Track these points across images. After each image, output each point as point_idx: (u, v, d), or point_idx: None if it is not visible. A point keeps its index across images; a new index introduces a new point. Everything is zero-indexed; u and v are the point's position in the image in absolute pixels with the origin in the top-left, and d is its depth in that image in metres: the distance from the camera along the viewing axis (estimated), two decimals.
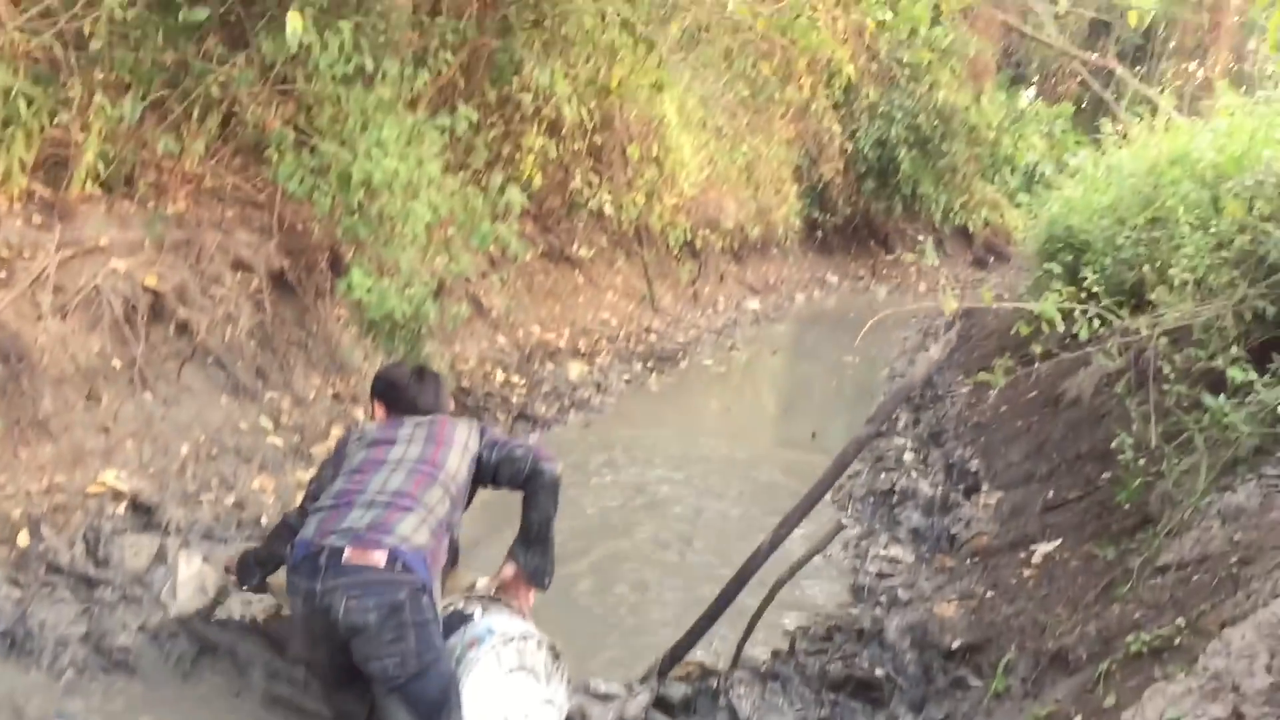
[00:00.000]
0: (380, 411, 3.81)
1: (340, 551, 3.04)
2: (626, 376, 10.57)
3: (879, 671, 4.38)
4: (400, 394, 3.77)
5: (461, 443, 3.53)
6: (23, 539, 4.48)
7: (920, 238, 22.58)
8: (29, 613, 4.21)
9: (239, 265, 6.71)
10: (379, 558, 3.04)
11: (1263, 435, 3.97)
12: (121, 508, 5.03)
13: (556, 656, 3.30)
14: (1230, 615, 3.14)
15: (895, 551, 5.97)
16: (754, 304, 16.53)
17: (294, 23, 5.74)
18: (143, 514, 5.07)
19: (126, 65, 6.02)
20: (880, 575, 5.65)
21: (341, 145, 6.46)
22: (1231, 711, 2.58)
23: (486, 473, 3.56)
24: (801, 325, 16.17)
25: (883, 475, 7.42)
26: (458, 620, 3.36)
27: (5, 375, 4.94)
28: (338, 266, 7.38)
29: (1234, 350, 4.28)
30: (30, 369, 5.04)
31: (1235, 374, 3.87)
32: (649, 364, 11.31)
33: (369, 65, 6.57)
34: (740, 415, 10.30)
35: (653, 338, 12.53)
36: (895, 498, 6.90)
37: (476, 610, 3.40)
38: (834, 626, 4.85)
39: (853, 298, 19.61)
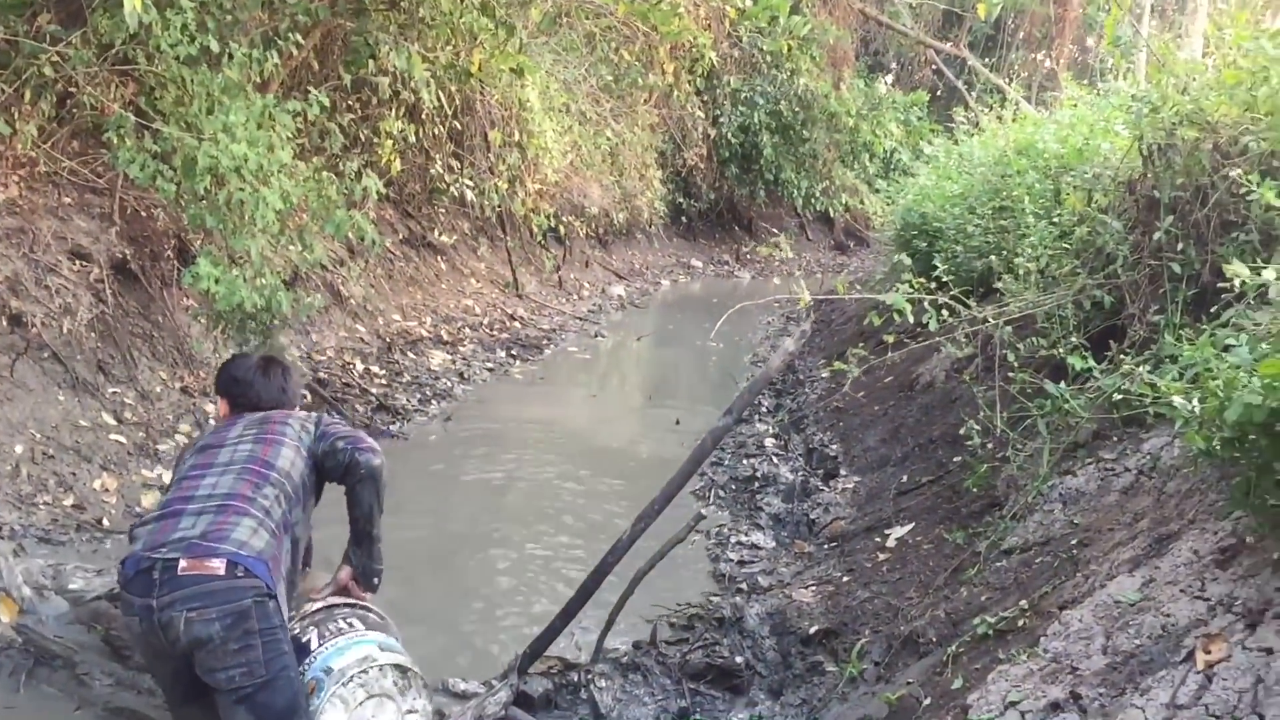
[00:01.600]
0: (224, 408, 3.63)
1: (174, 563, 2.88)
2: (490, 365, 10.46)
3: (739, 659, 4.41)
4: (243, 389, 3.59)
5: (294, 438, 3.36)
6: None
7: (773, 231, 22.90)
8: None
9: (77, 254, 6.41)
10: (217, 565, 2.89)
11: (1100, 421, 4.11)
12: None
13: (404, 672, 3.20)
14: (1070, 597, 3.25)
15: (756, 538, 6.03)
16: (619, 290, 16.55)
17: (132, 0, 5.48)
18: None
19: None
20: (741, 563, 5.70)
21: (186, 129, 6.21)
22: (1069, 693, 2.67)
23: (319, 467, 3.40)
24: (667, 311, 16.25)
25: (745, 462, 7.49)
26: (298, 650, 3.23)
27: None
28: (185, 255, 7.12)
29: (1074, 339, 4.43)
30: None
31: (1075, 362, 4.00)
32: (513, 351, 11.22)
33: (215, 46, 6.33)
34: (606, 402, 10.29)
35: (517, 325, 12.43)
36: (757, 484, 6.98)
37: (312, 637, 3.26)
38: (695, 615, 4.87)
39: (717, 283, 19.81)
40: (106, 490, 5.59)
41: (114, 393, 6.32)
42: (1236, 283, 2.67)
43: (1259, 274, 2.65)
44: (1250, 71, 4.30)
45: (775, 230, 23.53)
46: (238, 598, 2.90)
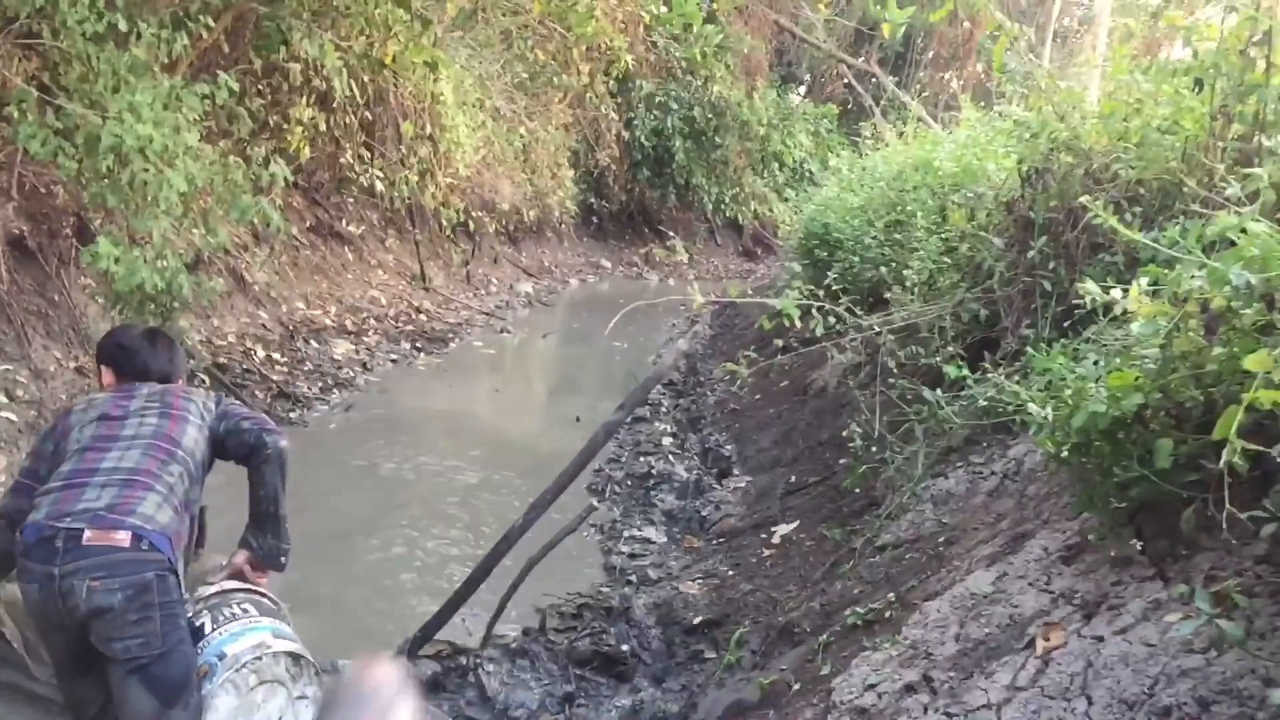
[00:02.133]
0: (109, 377, 3.57)
1: (79, 533, 2.92)
2: (394, 356, 10.47)
3: (625, 647, 4.56)
4: (130, 357, 3.53)
5: (197, 415, 3.38)
6: None
7: (677, 235, 23.13)
8: None
9: None
10: (122, 537, 2.93)
11: (972, 427, 4.35)
12: None
13: (297, 659, 3.26)
14: (932, 590, 3.45)
15: (648, 533, 6.18)
16: (527, 287, 16.62)
17: None
18: None
19: None
20: (632, 556, 5.85)
21: (91, 107, 6.15)
22: (922, 676, 2.86)
23: (218, 446, 3.43)
24: (574, 310, 16.36)
25: (641, 459, 7.64)
26: (191, 634, 3.27)
27: None
28: (84, 234, 7.04)
29: (951, 348, 4.67)
30: None
31: (951, 370, 4.22)
32: (418, 344, 11.24)
33: (123, 24, 6.28)
34: (509, 397, 10.37)
35: (422, 318, 12.44)
36: (652, 481, 7.13)
37: (206, 621, 3.30)
38: (584, 605, 5.00)
39: (626, 284, 19.98)
40: None
41: (5, 370, 6.23)
42: (1087, 301, 2.89)
43: (1109, 294, 2.87)
44: (1124, 103, 4.58)
45: (685, 234, 23.78)
46: (141, 570, 2.94)
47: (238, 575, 3.53)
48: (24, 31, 6.36)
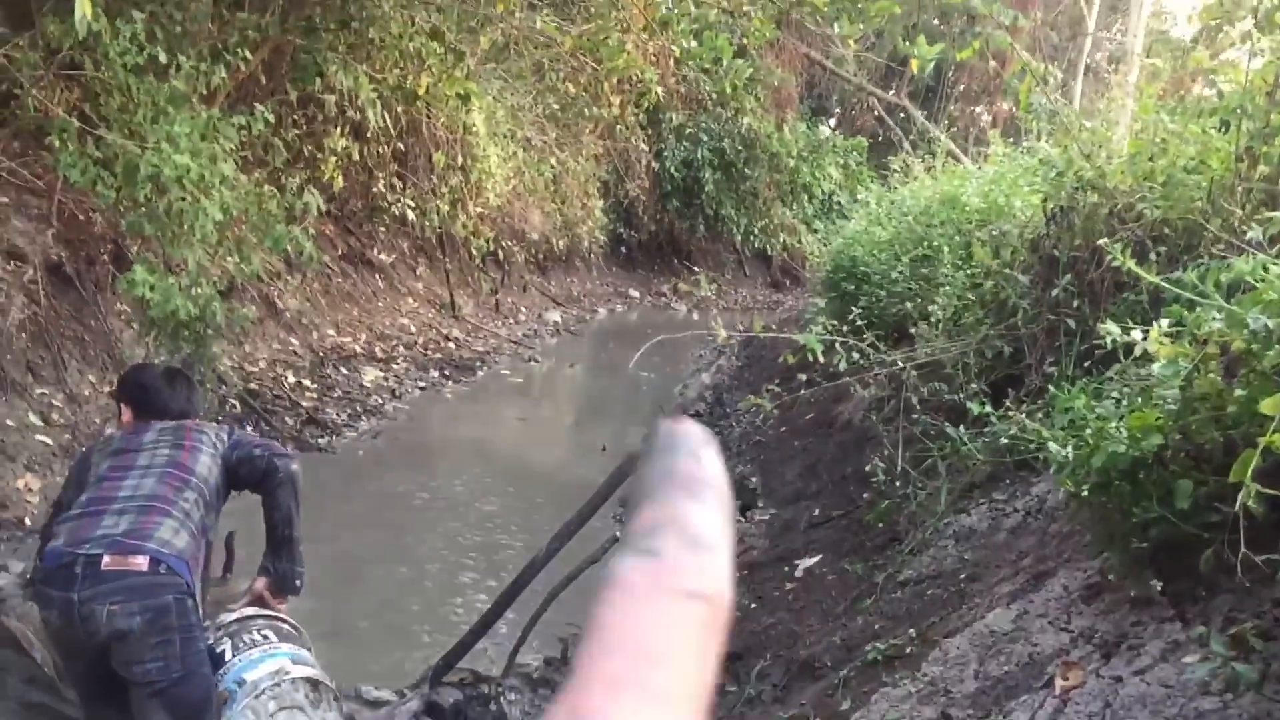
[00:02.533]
0: (127, 415, 3.62)
1: (98, 559, 2.97)
2: (422, 384, 10.56)
3: None
4: (151, 397, 3.60)
5: (210, 445, 3.44)
6: None
7: (696, 270, 23.16)
8: None
9: (12, 254, 6.44)
10: (140, 562, 2.99)
11: (995, 464, 4.36)
12: None
13: (316, 685, 3.30)
14: (953, 627, 3.46)
15: None
16: (556, 316, 16.70)
17: (83, 7, 5.56)
18: None
19: None
20: None
21: (130, 137, 6.29)
22: (941, 713, 2.87)
23: (232, 475, 3.48)
24: (602, 339, 16.43)
25: None
26: (212, 661, 3.32)
27: None
28: (121, 261, 7.16)
29: (975, 385, 4.68)
30: None
31: (974, 407, 4.23)
32: (446, 372, 11.32)
33: (163, 56, 6.42)
34: (535, 426, 10.42)
35: (451, 346, 12.53)
36: None
37: (227, 648, 3.36)
38: None
39: (654, 314, 20.03)
40: (29, 490, 5.62)
41: (42, 394, 6.35)
42: (1108, 340, 2.91)
43: (1130, 334, 2.89)
44: (1151, 142, 4.60)
45: (713, 265, 23.84)
46: (159, 594, 3.00)
47: (258, 601, 3.59)
48: (67, 62, 6.52)
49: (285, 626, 3.56)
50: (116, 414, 3.76)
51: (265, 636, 3.42)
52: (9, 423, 5.94)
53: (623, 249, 22.38)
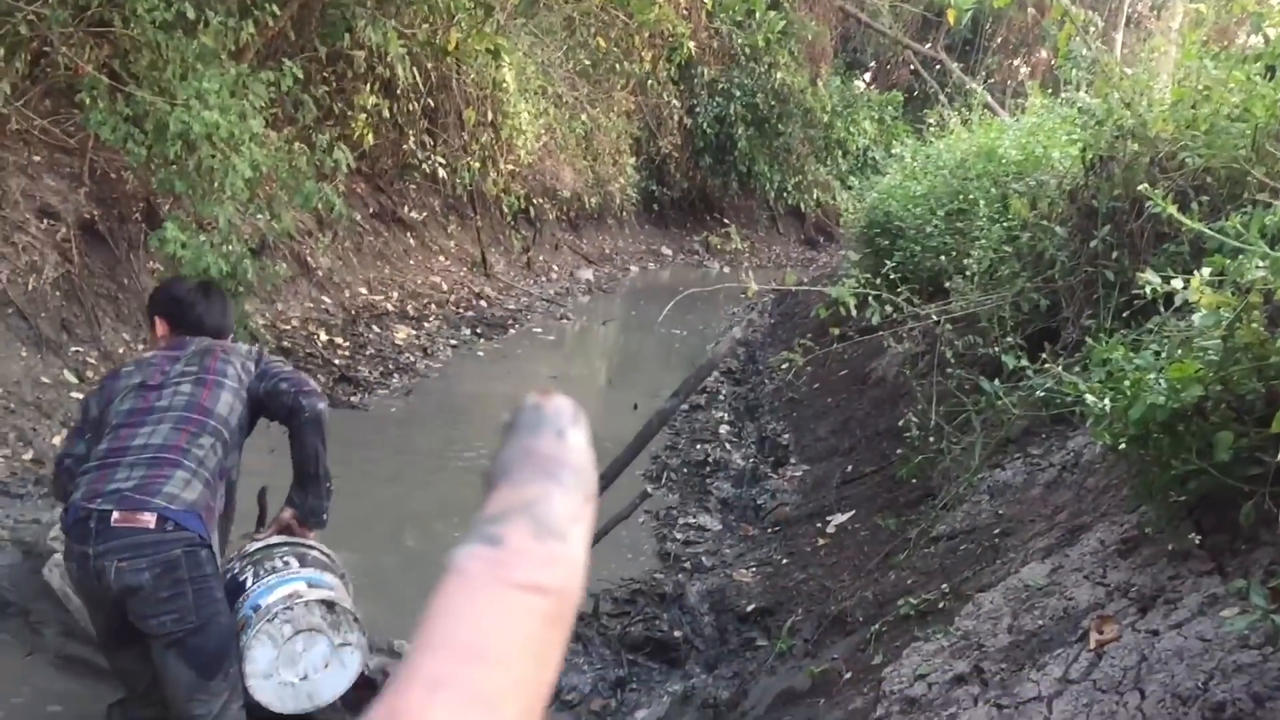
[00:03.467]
0: (162, 328, 3.54)
1: (108, 515, 2.97)
2: (454, 341, 10.57)
3: (677, 633, 4.58)
4: (185, 310, 3.52)
5: (235, 378, 3.37)
6: None
7: (727, 222, 22.99)
8: None
9: (45, 212, 6.47)
10: (148, 519, 2.98)
11: (1031, 418, 4.30)
12: None
13: (331, 607, 3.29)
14: (987, 581, 3.42)
15: (704, 520, 6.19)
16: (588, 274, 16.66)
17: None
18: None
19: None
20: (687, 543, 5.86)
21: (159, 94, 6.28)
22: (973, 667, 2.84)
23: (258, 406, 3.44)
24: (634, 297, 16.37)
25: (698, 447, 7.65)
26: (234, 590, 3.33)
27: None
28: (153, 219, 7.18)
29: (1011, 339, 4.61)
30: None
31: (1010, 361, 4.16)
32: (478, 329, 11.32)
33: (191, 12, 6.39)
34: (568, 384, 10.41)
35: (483, 304, 12.53)
36: (708, 469, 7.14)
37: (248, 576, 3.37)
38: (638, 590, 5.03)
39: (687, 271, 19.94)
40: None
41: (76, 351, 6.39)
42: (1148, 291, 2.84)
43: (1170, 284, 2.82)
44: (1193, 89, 4.48)
45: (746, 222, 23.67)
46: (166, 549, 3.00)
47: (284, 531, 3.58)
48: (96, 20, 6.50)
49: (313, 554, 3.54)
50: (150, 328, 3.66)
51: (286, 563, 3.42)
52: (44, 380, 5.99)
53: (655, 206, 22.25)
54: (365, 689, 3.90)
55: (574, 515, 0.48)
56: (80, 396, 6.11)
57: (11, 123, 6.59)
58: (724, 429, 8.16)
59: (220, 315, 3.60)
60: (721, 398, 9.28)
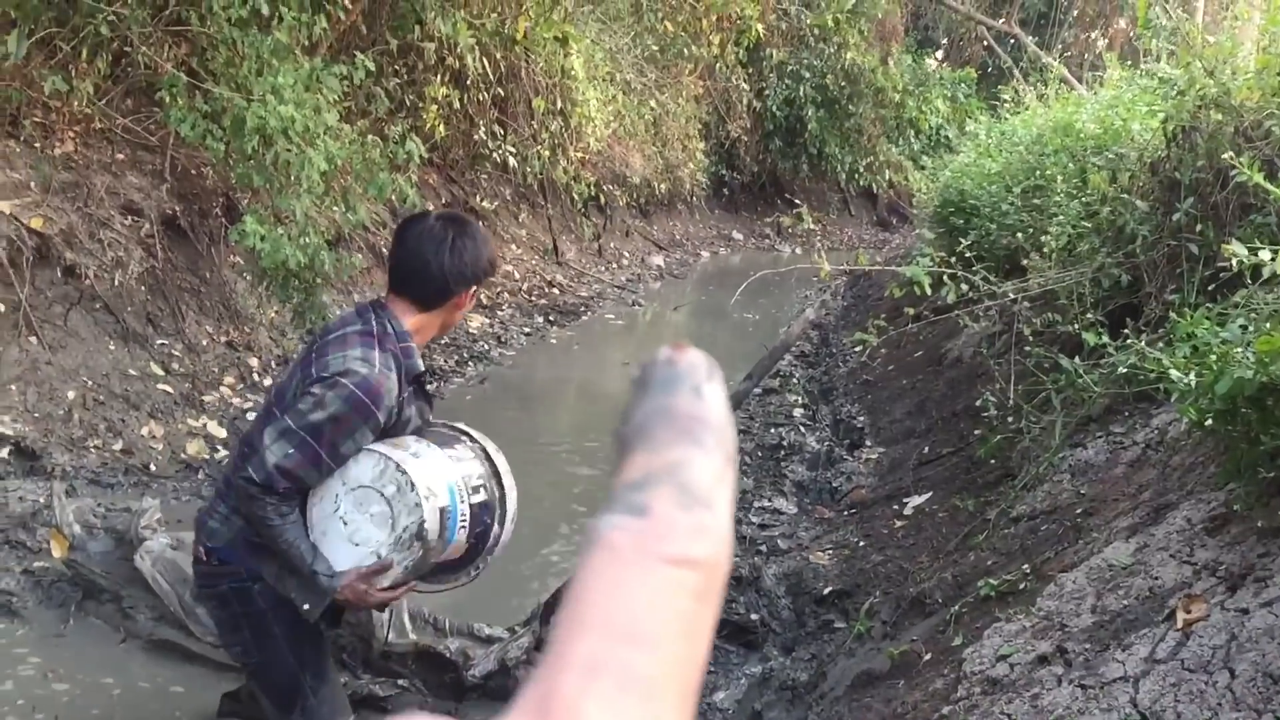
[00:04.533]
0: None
1: None
2: (527, 329, 10.64)
3: (754, 616, 4.58)
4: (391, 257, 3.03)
5: (292, 391, 2.82)
6: None
7: (800, 202, 22.79)
8: None
9: (129, 209, 6.63)
10: (200, 551, 2.90)
11: (1113, 395, 4.21)
12: (5, 452, 4.99)
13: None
14: (1069, 562, 3.37)
15: (779, 503, 6.17)
16: (659, 260, 16.66)
17: None
18: (27, 459, 5.04)
19: (11, 1, 5.88)
20: (762, 526, 5.84)
21: (236, 90, 6.39)
22: (1056, 647, 2.80)
23: None
24: (706, 282, 16.34)
25: (772, 430, 7.62)
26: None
27: None
28: (232, 213, 7.32)
29: (1091, 315, 4.52)
30: None
31: (1090, 338, 4.09)
32: (550, 317, 11.39)
33: (265, 9, 6.49)
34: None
35: (555, 291, 12.59)
36: (782, 452, 7.10)
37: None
38: None
39: (758, 255, 19.84)
40: (153, 437, 5.82)
41: (162, 344, 6.55)
42: (1233, 263, 2.77)
43: (1257, 255, 2.75)
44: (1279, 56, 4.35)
45: (817, 205, 23.47)
46: (215, 584, 2.90)
47: None
48: (173, 19, 6.64)
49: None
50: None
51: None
52: (132, 372, 6.14)
53: (725, 191, 22.15)
54: (444, 668, 3.97)
55: (718, 479, 0.46)
56: (167, 389, 6.27)
57: (95, 122, 6.76)
58: (798, 412, 8.12)
59: (411, 255, 2.91)
60: (795, 381, 9.23)
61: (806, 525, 5.75)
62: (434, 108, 10.19)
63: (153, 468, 5.57)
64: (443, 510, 2.73)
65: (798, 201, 22.77)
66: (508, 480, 3.01)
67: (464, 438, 3.04)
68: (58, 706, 3.70)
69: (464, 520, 2.79)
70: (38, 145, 6.23)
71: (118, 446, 5.59)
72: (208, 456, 5.89)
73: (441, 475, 2.79)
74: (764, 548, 5.45)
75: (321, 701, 2.95)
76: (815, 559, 5.02)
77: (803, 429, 7.59)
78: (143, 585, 4.28)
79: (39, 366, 5.63)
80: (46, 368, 5.66)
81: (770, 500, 6.21)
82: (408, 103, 10.03)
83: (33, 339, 5.68)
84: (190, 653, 4.04)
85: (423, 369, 2.94)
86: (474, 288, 2.95)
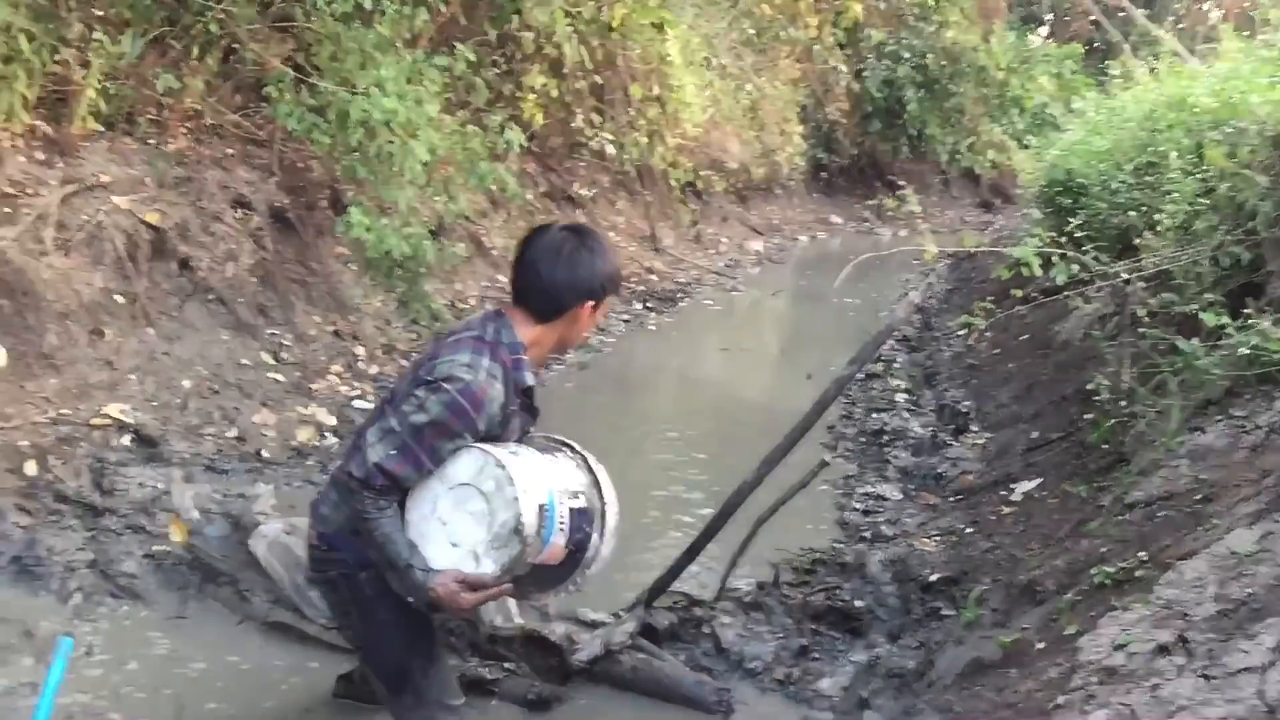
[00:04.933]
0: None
1: None
2: (626, 316, 10.67)
3: (859, 603, 4.52)
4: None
5: (407, 388, 2.84)
6: (30, 468, 4.62)
7: (903, 184, 22.35)
8: (37, 539, 4.36)
9: (239, 203, 6.81)
10: (313, 536, 2.95)
11: (1234, 378, 4.07)
12: (126, 440, 5.16)
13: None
14: (1189, 549, 3.26)
15: (882, 490, 6.09)
16: (757, 245, 16.56)
17: None
18: (146, 446, 5.20)
19: (125, 2, 6.08)
20: (866, 512, 5.78)
21: (341, 84, 6.51)
22: (1177, 636, 2.71)
23: None
24: (804, 267, 16.21)
25: (874, 416, 7.53)
26: None
27: (10, 310, 5.06)
28: (338, 205, 7.47)
29: (1209, 295, 4.37)
30: (35, 304, 5.17)
31: (1209, 318, 3.96)
32: (649, 304, 11.40)
33: (368, 3, 6.60)
34: (739, 355, 10.41)
35: (653, 278, 12.60)
36: (885, 438, 7.02)
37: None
38: (818, 560, 4.99)
39: (857, 239, 19.59)
40: (266, 425, 5.97)
41: (272, 334, 6.71)
42: None
43: None
44: None
45: (918, 187, 23.03)
46: (325, 569, 2.95)
47: None
48: (279, 15, 6.79)
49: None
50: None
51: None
52: (244, 361, 6.31)
53: (823, 175, 21.93)
54: (549, 652, 4.00)
55: None
56: (278, 377, 6.43)
57: (206, 118, 6.96)
58: (901, 397, 8.01)
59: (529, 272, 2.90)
60: (897, 366, 9.11)
61: (911, 511, 5.67)
62: (532, 97, 10.27)
63: (265, 454, 5.71)
64: (541, 507, 2.72)
65: (900, 184, 22.43)
66: (609, 493, 2.97)
67: (564, 448, 3.04)
68: (181, 684, 3.82)
69: (562, 523, 2.78)
70: (152, 142, 6.43)
71: (232, 434, 5.74)
72: (317, 443, 6.02)
73: (540, 475, 2.79)
74: (868, 534, 5.40)
75: (431, 684, 2.98)
76: (921, 545, 4.95)
77: (906, 414, 7.49)
78: (257, 569, 4.40)
79: (156, 357, 5.81)
80: (164, 358, 5.84)
81: (874, 486, 6.14)
82: (506, 93, 10.12)
83: (150, 330, 5.87)
84: (305, 635, 4.13)
85: (531, 383, 2.90)
86: (592, 302, 2.90)
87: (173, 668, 3.94)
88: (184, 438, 5.45)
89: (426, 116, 6.70)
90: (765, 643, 4.32)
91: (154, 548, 4.53)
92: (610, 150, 12.26)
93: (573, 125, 11.99)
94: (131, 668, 3.89)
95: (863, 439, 7.11)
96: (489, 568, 2.75)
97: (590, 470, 2.97)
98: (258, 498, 4.74)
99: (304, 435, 6.03)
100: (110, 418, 5.18)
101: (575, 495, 2.86)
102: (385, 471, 2.70)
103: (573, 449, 3.03)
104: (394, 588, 2.79)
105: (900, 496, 6.01)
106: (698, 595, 4.59)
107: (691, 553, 4.39)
